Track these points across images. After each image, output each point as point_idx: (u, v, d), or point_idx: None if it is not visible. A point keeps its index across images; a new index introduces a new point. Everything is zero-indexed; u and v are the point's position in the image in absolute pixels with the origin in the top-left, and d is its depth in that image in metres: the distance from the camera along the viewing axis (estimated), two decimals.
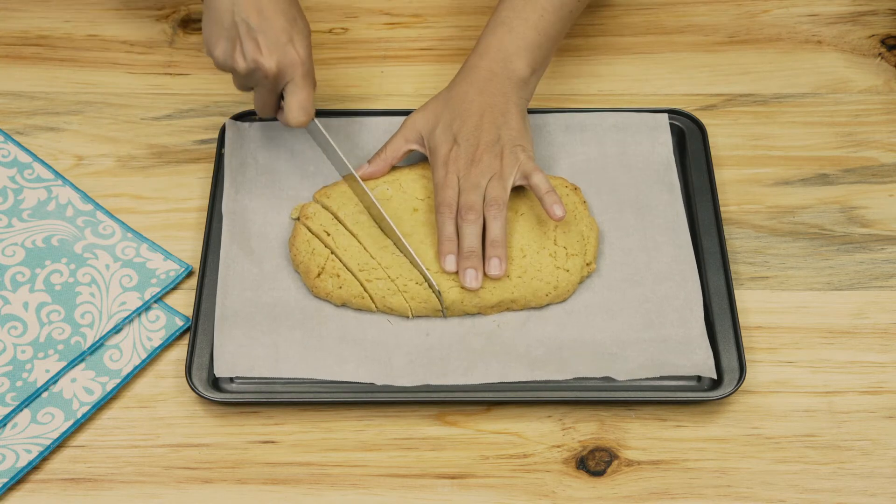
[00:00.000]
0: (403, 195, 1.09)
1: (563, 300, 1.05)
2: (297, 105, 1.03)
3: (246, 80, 1.04)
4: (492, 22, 1.10)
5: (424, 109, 1.09)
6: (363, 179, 1.08)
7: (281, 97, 1.05)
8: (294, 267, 1.06)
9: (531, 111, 1.16)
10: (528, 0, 1.09)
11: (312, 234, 1.06)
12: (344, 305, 1.05)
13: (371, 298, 1.03)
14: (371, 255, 1.05)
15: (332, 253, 1.05)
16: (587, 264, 1.06)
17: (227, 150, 1.13)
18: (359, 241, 1.05)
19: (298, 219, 1.09)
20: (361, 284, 1.03)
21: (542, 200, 1.04)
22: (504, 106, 1.06)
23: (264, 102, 1.06)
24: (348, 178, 1.09)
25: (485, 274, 1.03)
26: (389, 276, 1.03)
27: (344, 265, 1.04)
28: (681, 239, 1.08)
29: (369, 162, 1.10)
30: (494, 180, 1.04)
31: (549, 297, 1.04)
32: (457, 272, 1.03)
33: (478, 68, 1.08)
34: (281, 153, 1.14)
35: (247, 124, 1.16)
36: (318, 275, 1.04)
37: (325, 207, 1.08)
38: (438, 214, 1.04)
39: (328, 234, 1.06)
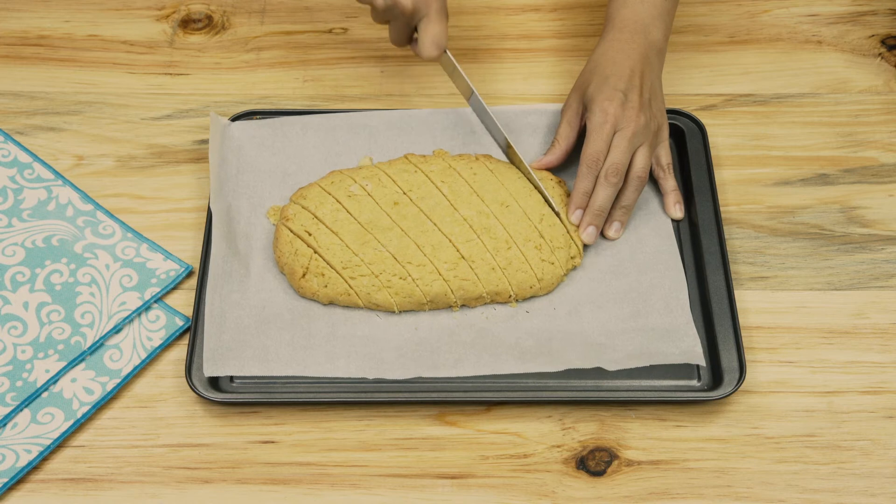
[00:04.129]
0: (384, 189, 1.09)
1: (548, 292, 1.05)
2: (429, 39, 1.06)
3: (383, 15, 1.08)
4: None
5: (576, 88, 1.11)
6: (540, 169, 1.11)
7: (415, 31, 1.08)
8: (279, 268, 1.06)
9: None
10: None
11: (294, 234, 1.06)
12: (331, 304, 1.05)
13: (356, 295, 1.04)
14: (354, 252, 1.04)
15: (315, 252, 1.05)
16: (572, 258, 1.06)
17: (210, 146, 1.12)
18: (340, 239, 1.05)
19: (278, 221, 1.08)
20: (346, 282, 1.04)
21: (666, 196, 1.10)
22: (651, 73, 1.09)
23: (399, 35, 1.09)
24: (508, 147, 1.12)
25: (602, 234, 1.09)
26: (373, 272, 1.04)
27: (327, 263, 1.04)
28: (663, 229, 1.09)
29: (546, 154, 1.11)
30: (644, 149, 1.07)
31: (533, 290, 1.04)
32: (571, 224, 1.07)
33: (619, 40, 1.10)
34: (262, 152, 1.14)
35: (226, 121, 1.15)
36: (303, 275, 1.04)
37: (304, 208, 1.08)
38: (584, 167, 1.06)
39: (310, 234, 1.06)
